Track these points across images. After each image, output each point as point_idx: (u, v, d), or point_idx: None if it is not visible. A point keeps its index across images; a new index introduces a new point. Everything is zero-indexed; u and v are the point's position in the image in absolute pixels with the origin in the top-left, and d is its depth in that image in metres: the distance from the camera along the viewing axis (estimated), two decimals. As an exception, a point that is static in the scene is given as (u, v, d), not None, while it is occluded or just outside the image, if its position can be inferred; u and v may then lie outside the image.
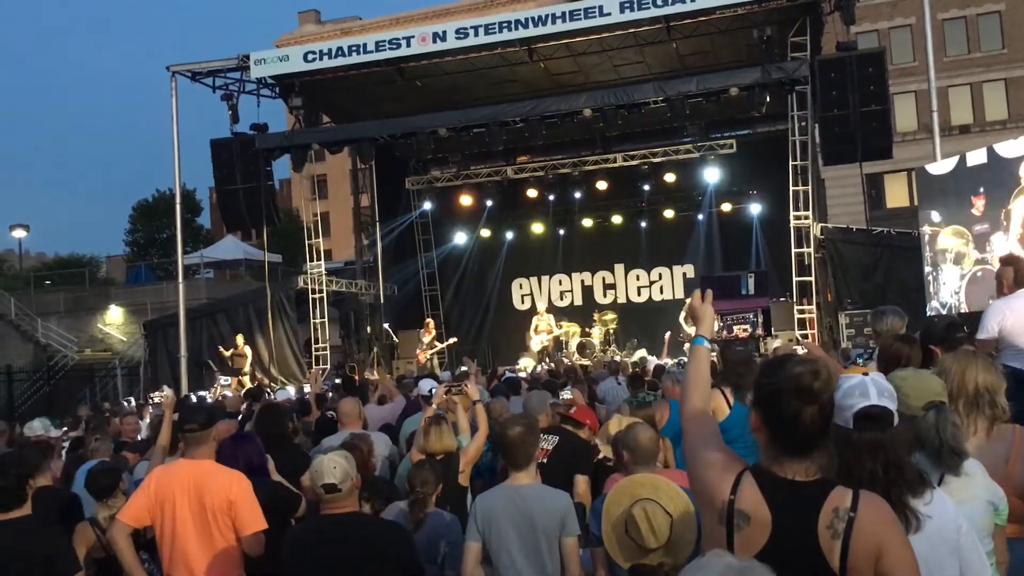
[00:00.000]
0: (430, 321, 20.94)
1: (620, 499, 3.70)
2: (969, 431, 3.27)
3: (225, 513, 4.11)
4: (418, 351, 19.71)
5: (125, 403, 14.47)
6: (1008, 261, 5.89)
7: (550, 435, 5.69)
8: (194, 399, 12.17)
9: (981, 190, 10.79)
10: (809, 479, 2.18)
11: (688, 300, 3.04)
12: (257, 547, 4.17)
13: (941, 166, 12.33)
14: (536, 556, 3.95)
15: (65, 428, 10.18)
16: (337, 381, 14.81)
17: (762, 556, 2.04)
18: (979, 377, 3.38)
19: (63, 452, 7.93)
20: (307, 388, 15.71)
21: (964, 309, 10.72)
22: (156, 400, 11.72)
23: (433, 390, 7.21)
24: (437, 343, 19.99)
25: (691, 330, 3.13)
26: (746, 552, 2.09)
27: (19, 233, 40.26)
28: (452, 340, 20.20)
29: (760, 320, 15.71)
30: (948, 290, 11.46)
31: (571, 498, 4.49)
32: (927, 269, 12.02)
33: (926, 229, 12.05)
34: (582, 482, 5.48)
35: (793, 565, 1.91)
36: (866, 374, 2.50)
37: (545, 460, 5.54)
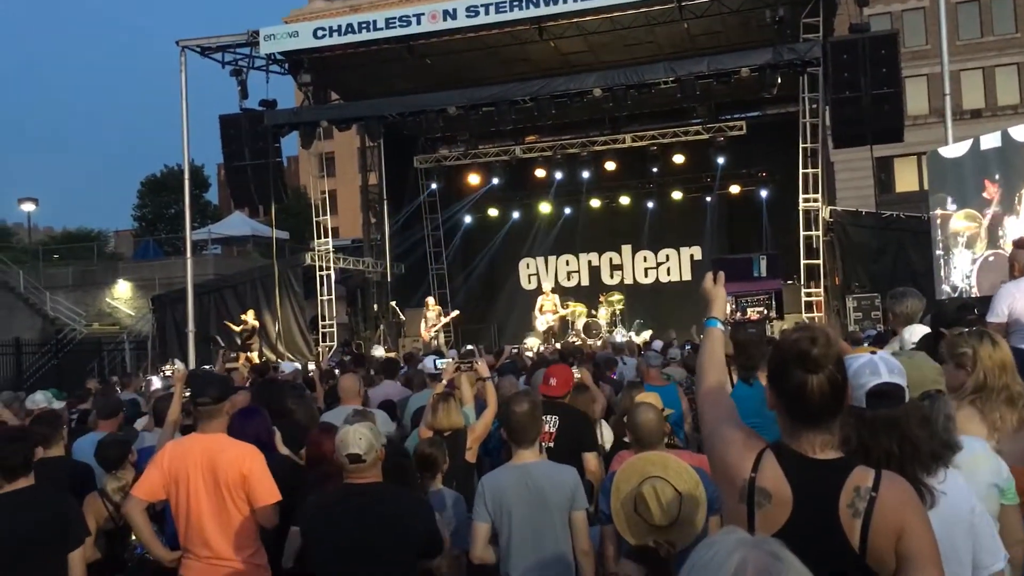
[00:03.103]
0: (430, 299, 20.86)
1: (630, 476, 3.70)
2: (996, 421, 3.24)
3: (239, 486, 4.14)
4: (422, 330, 19.72)
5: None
6: (1021, 244, 5.86)
7: (549, 416, 5.67)
8: (204, 372, 12.18)
9: (996, 175, 10.70)
10: (830, 457, 2.18)
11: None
12: (272, 519, 4.21)
13: (954, 149, 12.23)
14: (549, 532, 3.97)
15: (75, 399, 10.21)
16: (346, 358, 14.81)
17: (783, 534, 2.04)
18: (1007, 357, 3.36)
19: (72, 423, 7.96)
20: (311, 365, 15.78)
21: (975, 293, 10.66)
22: (167, 373, 11.73)
23: (438, 365, 7.23)
24: (442, 318, 19.99)
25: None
26: (767, 530, 2.08)
27: (28, 207, 40.26)
28: (454, 313, 20.20)
29: (772, 303, 15.70)
30: (960, 274, 11.40)
31: (580, 475, 4.50)
32: (938, 253, 11.96)
33: (937, 213, 11.96)
34: (592, 459, 5.49)
35: (814, 543, 1.90)
36: (874, 352, 2.49)
37: (552, 444, 5.54)
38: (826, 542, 2.07)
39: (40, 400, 7.71)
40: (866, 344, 7.78)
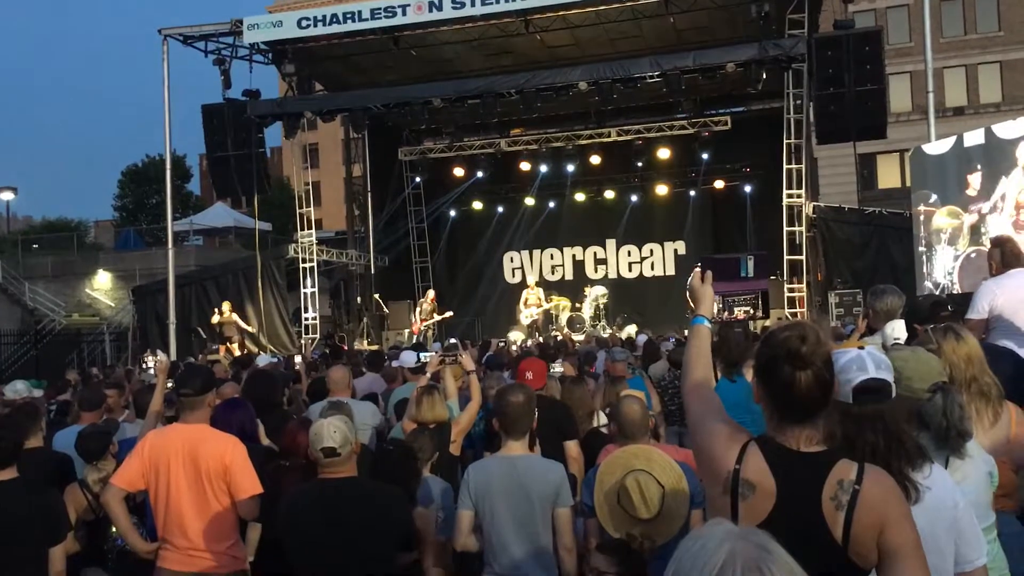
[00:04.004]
0: (431, 292, 20.79)
1: (614, 469, 3.70)
2: (972, 415, 3.27)
3: (220, 477, 4.11)
4: (414, 320, 19.64)
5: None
6: (996, 243, 5.90)
7: None
8: (187, 364, 12.08)
9: (978, 170, 10.77)
10: (814, 450, 2.19)
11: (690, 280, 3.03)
12: (253, 511, 4.19)
13: (938, 146, 12.30)
14: (530, 526, 3.96)
15: (54, 390, 10.11)
16: (327, 351, 14.75)
17: (766, 525, 2.03)
18: (973, 351, 3.39)
19: (51, 414, 7.87)
20: (297, 358, 15.71)
21: (958, 290, 10.73)
22: (150, 364, 11.61)
23: (421, 359, 7.22)
24: (436, 315, 19.92)
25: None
26: (750, 521, 2.09)
27: (7, 196, 39.86)
28: (448, 313, 20.15)
29: (759, 302, 15.83)
30: (942, 270, 11.47)
31: (564, 465, 4.51)
32: (920, 249, 12.03)
33: (920, 209, 12.04)
34: (573, 447, 5.55)
35: (796, 535, 1.91)
36: (862, 348, 2.50)
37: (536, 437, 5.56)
38: (809, 534, 2.08)
39: (21, 389, 7.59)
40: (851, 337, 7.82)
